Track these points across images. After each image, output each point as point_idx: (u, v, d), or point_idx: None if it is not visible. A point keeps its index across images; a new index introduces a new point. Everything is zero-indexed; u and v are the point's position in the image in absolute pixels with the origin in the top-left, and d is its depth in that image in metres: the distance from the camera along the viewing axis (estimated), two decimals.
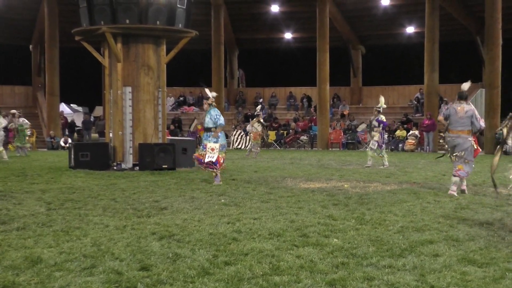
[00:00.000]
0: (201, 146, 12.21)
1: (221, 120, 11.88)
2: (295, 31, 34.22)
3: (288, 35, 34.67)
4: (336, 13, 31.30)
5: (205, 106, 12.19)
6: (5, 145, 27.00)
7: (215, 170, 11.86)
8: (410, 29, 31.95)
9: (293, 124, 30.95)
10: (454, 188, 10.11)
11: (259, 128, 21.38)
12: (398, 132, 27.77)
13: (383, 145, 16.59)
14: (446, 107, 10.97)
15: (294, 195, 9.95)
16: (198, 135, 28.27)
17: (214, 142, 11.85)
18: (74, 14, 16.27)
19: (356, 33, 33.41)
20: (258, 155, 20.90)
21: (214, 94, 12.44)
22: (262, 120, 21.88)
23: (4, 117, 20.63)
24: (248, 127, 22.07)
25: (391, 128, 27.84)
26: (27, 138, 23.33)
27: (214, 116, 11.84)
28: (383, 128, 16.64)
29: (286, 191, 10.46)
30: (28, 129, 27.99)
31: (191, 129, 11.83)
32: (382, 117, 16.42)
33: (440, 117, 10.87)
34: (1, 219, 7.47)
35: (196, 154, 12.27)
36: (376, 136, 16.44)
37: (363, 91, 34.04)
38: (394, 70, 35.50)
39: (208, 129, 11.92)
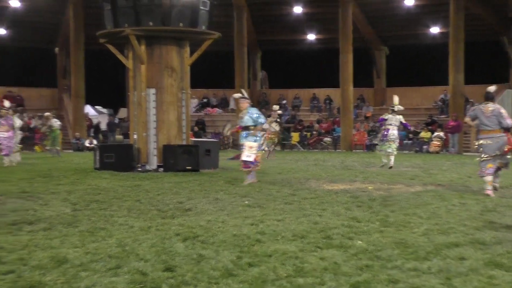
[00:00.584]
0: (241, 147, 12.39)
1: (262, 119, 12.04)
2: (317, 32, 34.13)
3: (310, 36, 34.57)
4: (358, 14, 31.15)
5: (245, 105, 12.27)
6: (32, 146, 27.41)
7: (250, 169, 11.97)
8: (435, 30, 31.62)
9: (316, 126, 30.86)
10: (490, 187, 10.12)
11: (277, 128, 21.73)
12: (422, 134, 27.55)
13: (382, 142, 16.82)
14: (472, 108, 10.91)
15: (317, 196, 9.92)
16: (222, 137, 28.39)
17: (253, 140, 11.98)
18: (98, 17, 16.42)
19: (378, 34, 33.20)
20: (271, 155, 20.97)
21: (241, 93, 12.63)
22: (279, 120, 22.10)
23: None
24: (266, 126, 22.27)
25: (415, 130, 27.63)
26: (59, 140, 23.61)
27: (254, 115, 11.97)
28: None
29: (309, 193, 10.43)
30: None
31: (227, 133, 11.80)
32: (386, 116, 16.87)
33: (467, 118, 10.86)
34: (28, 220, 7.56)
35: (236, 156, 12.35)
36: (380, 134, 17.30)
37: (387, 92, 33.77)
38: (418, 71, 35.18)
39: (246, 128, 12.02)
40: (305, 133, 30.50)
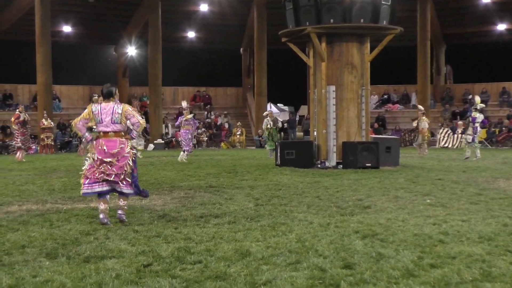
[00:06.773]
0: None
1: None
2: (509, 22, 31.99)
3: (501, 27, 32.53)
4: None
5: None
6: (218, 142, 28.86)
7: None
8: None
9: (506, 122, 29.00)
10: None
11: (427, 125, 21.58)
12: None
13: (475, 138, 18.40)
14: None
15: (507, 197, 9.30)
16: (403, 133, 27.72)
17: None
18: (280, 17, 16.83)
19: None
20: (422, 151, 21.11)
21: None
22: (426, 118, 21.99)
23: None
24: (415, 123, 21.89)
25: None
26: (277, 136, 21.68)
27: None
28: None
29: (498, 193, 9.81)
30: (238, 129, 29.59)
31: None
32: (475, 114, 18.25)
33: None
34: (214, 213, 7.98)
35: None
36: (470, 130, 18.50)
37: None
38: None
39: None
40: (493, 129, 28.78)
